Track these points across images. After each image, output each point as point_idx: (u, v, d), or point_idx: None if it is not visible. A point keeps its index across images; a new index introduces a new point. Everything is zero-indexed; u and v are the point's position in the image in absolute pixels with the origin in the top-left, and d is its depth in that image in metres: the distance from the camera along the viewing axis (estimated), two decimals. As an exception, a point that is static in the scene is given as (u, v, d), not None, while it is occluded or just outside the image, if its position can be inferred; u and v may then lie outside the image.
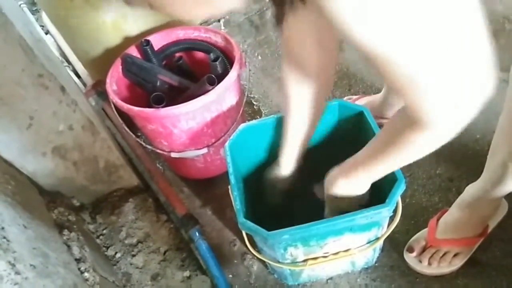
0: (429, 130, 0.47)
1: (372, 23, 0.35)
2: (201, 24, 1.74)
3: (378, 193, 0.74)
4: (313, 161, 0.99)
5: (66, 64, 1.57)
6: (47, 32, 1.75)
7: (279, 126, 0.91)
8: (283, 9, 0.45)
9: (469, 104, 0.42)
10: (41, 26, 1.80)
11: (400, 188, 0.71)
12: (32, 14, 1.88)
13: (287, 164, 0.85)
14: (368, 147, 0.64)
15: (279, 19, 0.46)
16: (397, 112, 0.55)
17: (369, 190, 0.72)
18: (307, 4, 0.39)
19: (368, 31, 0.36)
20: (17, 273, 0.55)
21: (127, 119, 1.05)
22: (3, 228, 0.62)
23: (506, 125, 0.70)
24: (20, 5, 1.85)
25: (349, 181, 0.70)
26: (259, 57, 1.52)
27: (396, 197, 0.71)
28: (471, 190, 0.85)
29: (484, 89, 0.42)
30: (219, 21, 1.73)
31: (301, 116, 0.78)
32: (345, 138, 0.91)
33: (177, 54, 1.13)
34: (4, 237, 0.60)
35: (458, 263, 0.87)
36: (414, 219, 0.98)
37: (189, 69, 1.13)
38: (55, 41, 1.67)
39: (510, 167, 0.72)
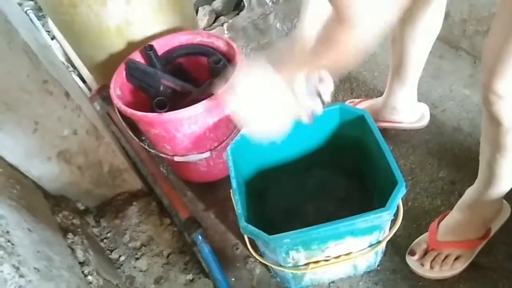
0: (354, 28, 0.54)
1: None
2: (204, 28, 1.76)
3: (379, 196, 0.75)
4: (314, 165, 1.00)
5: (71, 69, 1.60)
6: (53, 38, 1.78)
7: (281, 130, 0.92)
8: None
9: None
10: (47, 31, 1.83)
11: (400, 192, 0.71)
12: (38, 19, 1.90)
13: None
14: (314, 48, 0.66)
15: None
16: (329, 17, 0.60)
17: None
18: None
19: None
20: (21, 276, 0.56)
21: (131, 123, 1.06)
22: (8, 232, 0.63)
23: (485, 124, 0.71)
24: (26, 11, 1.88)
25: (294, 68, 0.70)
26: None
27: (397, 200, 0.71)
28: (469, 193, 0.86)
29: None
30: (222, 25, 1.74)
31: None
32: (346, 142, 0.91)
33: (178, 60, 1.14)
34: (9, 241, 0.61)
35: (460, 266, 0.87)
36: (417, 222, 0.98)
37: (190, 74, 1.14)
38: (61, 46, 1.69)
39: (494, 168, 0.73)
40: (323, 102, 0.77)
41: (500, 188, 0.79)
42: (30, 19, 1.81)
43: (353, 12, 0.53)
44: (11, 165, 0.87)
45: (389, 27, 0.55)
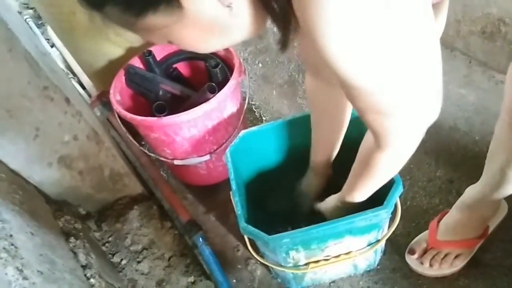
0: (389, 149, 0.56)
1: (356, 60, 0.41)
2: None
3: (377, 195, 0.76)
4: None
5: (71, 76, 1.61)
6: (52, 45, 1.79)
7: (280, 131, 0.93)
8: (288, 35, 0.47)
9: (419, 126, 0.52)
10: (46, 39, 1.84)
11: (397, 190, 0.72)
12: (38, 27, 1.92)
13: (317, 167, 0.91)
14: (351, 173, 0.72)
15: (285, 44, 0.48)
16: (364, 139, 0.65)
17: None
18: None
19: (351, 66, 0.42)
20: (25, 278, 0.57)
21: (131, 128, 1.07)
22: (11, 235, 0.64)
23: (502, 133, 0.71)
24: (25, 20, 1.89)
25: (347, 204, 0.76)
26: (260, 65, 1.54)
27: (394, 199, 0.72)
28: (470, 192, 0.86)
29: (431, 115, 0.51)
30: (220, 30, 1.75)
31: (325, 121, 0.83)
32: (344, 142, 0.92)
33: (174, 65, 1.15)
34: (12, 244, 0.62)
35: (459, 264, 0.88)
36: (415, 221, 0.99)
37: (187, 79, 1.15)
38: (61, 53, 1.70)
39: (508, 173, 0.73)
40: None
41: (508, 191, 0.79)
42: (30, 27, 1.82)
43: (392, 139, 0.54)
44: (13, 171, 0.88)
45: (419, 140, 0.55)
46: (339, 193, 0.79)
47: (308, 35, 0.40)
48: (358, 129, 0.87)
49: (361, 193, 0.72)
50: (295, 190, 0.99)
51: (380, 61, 0.41)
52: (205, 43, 0.47)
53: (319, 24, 0.38)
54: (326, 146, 0.87)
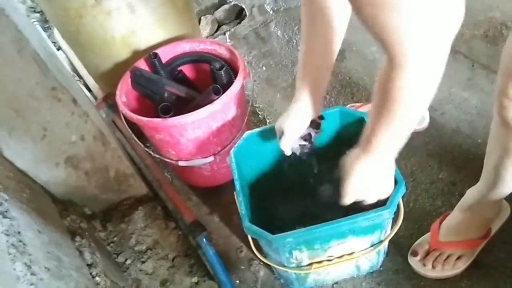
0: (409, 68, 0.47)
1: None
2: (207, 37, 1.79)
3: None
4: (315, 167, 1.01)
5: (77, 78, 1.63)
6: (58, 48, 1.82)
7: (283, 133, 0.94)
8: None
9: (439, 37, 0.44)
10: (53, 42, 1.86)
11: (400, 191, 0.73)
12: (44, 31, 1.94)
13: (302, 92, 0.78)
14: (371, 113, 0.60)
15: None
16: (380, 69, 0.53)
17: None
18: None
19: None
20: (33, 274, 0.58)
21: (136, 130, 1.08)
22: (19, 232, 0.65)
23: (495, 128, 0.72)
24: (32, 23, 1.92)
25: (369, 157, 0.65)
26: (264, 68, 1.55)
27: (397, 199, 0.72)
28: (470, 193, 0.87)
29: (451, 24, 0.43)
30: (224, 33, 1.77)
31: (319, 26, 0.71)
32: (347, 145, 0.93)
33: (179, 68, 1.17)
34: (21, 241, 0.63)
35: (461, 265, 0.88)
36: (418, 223, 1.00)
37: (192, 81, 1.17)
38: (67, 56, 1.73)
39: (501, 171, 0.74)
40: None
41: (504, 190, 0.80)
42: (37, 31, 1.84)
43: (407, 50, 0.45)
44: (20, 170, 0.89)
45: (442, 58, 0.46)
46: (358, 146, 0.67)
47: None
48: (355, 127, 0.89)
49: (383, 140, 0.60)
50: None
51: None
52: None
53: None
54: (316, 62, 0.75)
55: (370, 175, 0.68)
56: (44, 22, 2.03)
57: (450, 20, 0.43)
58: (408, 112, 0.54)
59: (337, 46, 0.74)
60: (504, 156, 0.72)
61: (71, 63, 1.69)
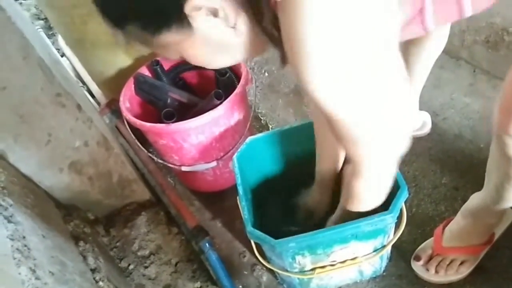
0: (363, 176, 0.62)
1: (334, 95, 0.46)
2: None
3: (383, 202, 0.76)
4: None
5: (81, 84, 1.64)
6: (62, 55, 1.83)
7: (285, 138, 0.95)
8: (286, 54, 0.50)
9: (389, 156, 0.58)
10: (57, 49, 1.88)
11: (403, 196, 0.73)
12: (48, 37, 1.96)
13: (323, 179, 0.93)
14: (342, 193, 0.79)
15: (284, 61, 0.51)
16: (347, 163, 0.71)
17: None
18: None
19: (329, 100, 0.46)
20: (37, 278, 0.58)
21: (139, 135, 1.09)
22: (24, 237, 0.65)
23: (494, 153, 0.73)
24: (37, 29, 1.93)
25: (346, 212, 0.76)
26: (266, 74, 1.56)
27: (399, 204, 0.73)
28: (474, 200, 0.86)
29: (399, 149, 0.56)
30: (227, 40, 1.78)
31: (330, 155, 0.88)
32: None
33: (181, 75, 1.18)
34: (25, 245, 0.63)
35: (465, 271, 0.88)
36: (421, 228, 1.00)
37: (193, 87, 1.18)
38: (71, 63, 1.74)
39: (502, 192, 0.76)
40: None
41: (506, 205, 0.81)
42: (42, 38, 1.86)
43: (368, 164, 0.60)
44: (24, 175, 0.90)
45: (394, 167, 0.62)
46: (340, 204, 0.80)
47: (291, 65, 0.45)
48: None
49: (354, 207, 0.74)
50: (298, 207, 0.99)
51: (355, 97, 0.46)
52: (212, 60, 0.53)
53: (301, 56, 0.42)
54: (331, 153, 0.88)
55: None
56: (48, 29, 2.05)
57: (399, 148, 0.56)
58: (368, 201, 0.71)
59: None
60: (504, 181, 0.74)
61: (74, 70, 1.71)
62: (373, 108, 0.48)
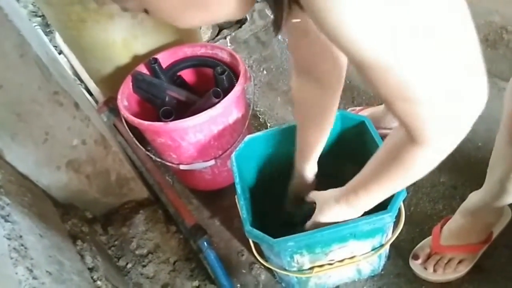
0: (427, 146, 0.46)
1: (370, 27, 0.34)
2: (208, 41, 1.80)
3: (381, 201, 0.76)
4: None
5: (78, 82, 1.63)
6: (60, 52, 1.82)
7: (284, 136, 0.94)
8: (281, 15, 0.44)
9: (464, 116, 0.42)
10: (54, 46, 1.87)
11: (401, 194, 0.73)
12: (46, 35, 1.95)
13: (305, 170, 0.87)
14: (368, 168, 0.61)
15: (278, 25, 0.45)
16: (394, 129, 0.55)
17: None
18: (304, 9, 0.39)
19: (365, 35, 0.35)
20: (35, 278, 0.58)
21: (137, 133, 1.09)
22: (21, 236, 0.65)
23: (501, 146, 0.72)
24: (34, 27, 1.92)
25: (349, 205, 0.68)
26: (265, 72, 1.56)
27: (398, 203, 0.72)
28: (473, 199, 0.86)
29: (478, 100, 0.41)
30: (225, 38, 1.78)
31: (311, 123, 0.79)
32: (347, 148, 0.93)
33: (179, 73, 1.17)
34: (22, 245, 0.63)
35: (463, 269, 0.88)
36: (419, 227, 1.00)
37: (191, 85, 1.17)
38: (68, 60, 1.73)
39: (506, 184, 0.75)
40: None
41: (508, 200, 0.80)
42: (39, 35, 1.85)
43: (429, 133, 0.44)
44: (21, 174, 0.90)
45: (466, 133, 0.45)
46: (340, 189, 0.69)
47: (314, 13, 0.36)
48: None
49: (371, 195, 0.62)
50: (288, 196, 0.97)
51: (400, 27, 0.34)
52: (183, 15, 0.42)
53: None
54: (311, 148, 0.83)
55: (345, 217, 0.71)
56: (46, 27, 2.04)
57: (472, 109, 0.42)
58: (411, 179, 0.55)
59: (330, 127, 0.81)
60: (510, 171, 0.72)
61: (72, 67, 1.70)
62: (432, 42, 0.36)
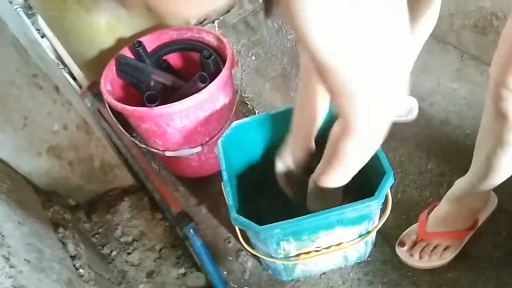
0: (354, 134, 0.57)
1: (328, 34, 0.41)
2: (195, 25, 1.76)
3: (368, 186, 0.76)
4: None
5: (62, 66, 1.59)
6: (43, 36, 1.77)
7: (272, 123, 0.93)
8: (271, 2, 0.47)
9: (381, 111, 0.53)
10: (37, 29, 1.81)
11: (388, 181, 0.72)
12: (28, 17, 1.89)
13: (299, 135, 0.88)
14: (323, 157, 0.71)
15: (268, 11, 0.48)
16: (335, 124, 0.64)
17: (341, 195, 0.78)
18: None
19: (323, 40, 0.42)
20: (12, 266, 0.56)
21: (122, 119, 1.06)
22: (-2, 224, 0.63)
23: (488, 120, 0.72)
24: (16, 9, 1.86)
25: (329, 177, 0.73)
26: (253, 57, 1.53)
27: (385, 190, 0.72)
28: (459, 184, 0.86)
29: (393, 101, 0.52)
30: (213, 22, 1.74)
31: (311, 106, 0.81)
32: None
33: (165, 57, 1.14)
34: (-1, 232, 0.61)
35: (448, 256, 0.89)
36: (406, 214, 1.00)
37: (176, 71, 1.15)
38: (51, 44, 1.68)
39: (493, 161, 0.74)
40: None
41: (494, 181, 0.79)
42: (20, 17, 1.79)
43: (355, 113, 0.54)
44: (1, 160, 0.87)
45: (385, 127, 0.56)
46: (313, 174, 0.77)
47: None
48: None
49: (330, 179, 0.72)
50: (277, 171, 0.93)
51: (352, 43, 0.42)
52: (184, 8, 0.42)
53: None
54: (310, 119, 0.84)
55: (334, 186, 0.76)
56: (28, 9, 1.97)
57: (393, 102, 0.52)
58: (353, 164, 0.67)
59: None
60: (497, 146, 0.71)
61: (55, 51, 1.65)
62: (371, 59, 0.44)
